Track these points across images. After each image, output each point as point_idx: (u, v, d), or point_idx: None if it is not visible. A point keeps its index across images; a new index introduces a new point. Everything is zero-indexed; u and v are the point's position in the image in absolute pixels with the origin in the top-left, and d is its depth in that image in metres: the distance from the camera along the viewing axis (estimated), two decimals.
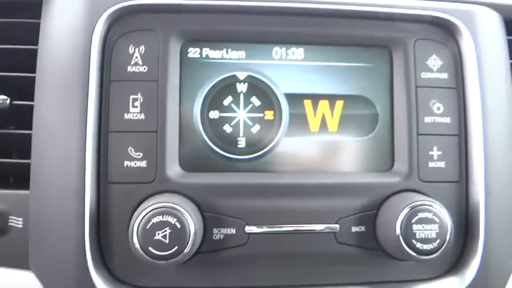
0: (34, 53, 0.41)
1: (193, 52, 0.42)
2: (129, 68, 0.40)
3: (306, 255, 0.40)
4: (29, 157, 0.40)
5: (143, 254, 0.36)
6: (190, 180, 0.39)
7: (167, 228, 0.36)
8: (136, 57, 0.40)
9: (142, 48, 0.40)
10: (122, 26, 0.40)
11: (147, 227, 0.36)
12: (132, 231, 0.36)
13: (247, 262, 0.40)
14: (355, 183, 0.41)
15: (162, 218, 0.36)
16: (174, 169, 0.39)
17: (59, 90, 0.39)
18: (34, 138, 0.40)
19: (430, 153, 0.42)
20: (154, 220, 0.36)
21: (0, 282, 0.40)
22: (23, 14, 0.43)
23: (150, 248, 0.36)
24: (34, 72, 0.41)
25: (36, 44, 0.41)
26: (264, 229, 0.39)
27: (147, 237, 0.36)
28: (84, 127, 0.38)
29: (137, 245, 0.36)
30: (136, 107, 0.39)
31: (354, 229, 0.40)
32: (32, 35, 0.42)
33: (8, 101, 0.42)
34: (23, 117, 0.41)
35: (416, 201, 0.38)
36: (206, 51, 0.42)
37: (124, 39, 0.40)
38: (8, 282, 0.40)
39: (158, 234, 0.36)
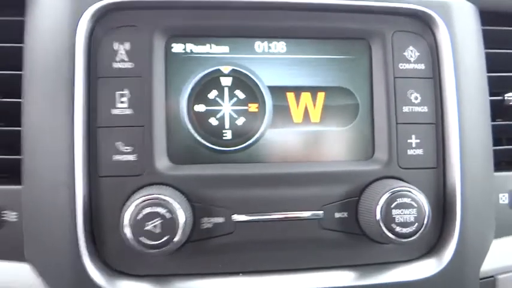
0: (19, 50, 0.42)
1: (177, 47, 0.43)
2: (115, 65, 0.41)
3: (291, 241, 0.42)
4: (18, 153, 0.41)
5: (135, 244, 0.37)
6: (179, 172, 0.41)
7: (158, 219, 0.37)
8: (122, 54, 0.41)
9: (127, 44, 0.41)
10: (106, 23, 0.41)
11: (138, 218, 0.37)
12: (123, 222, 0.37)
13: (235, 249, 0.41)
14: (338, 171, 0.43)
15: (152, 209, 0.37)
16: (162, 162, 0.41)
17: (47, 88, 0.40)
18: (24, 135, 0.41)
19: (409, 141, 0.44)
20: (145, 211, 0.37)
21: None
22: (6, 11, 0.43)
23: (141, 238, 0.37)
24: (19, 70, 0.42)
25: (21, 41, 0.42)
26: (250, 217, 0.41)
27: (138, 228, 0.37)
28: (72, 123, 0.39)
29: (129, 236, 0.37)
30: (124, 102, 0.41)
31: (337, 215, 0.42)
32: (17, 32, 0.43)
33: None
34: (12, 114, 0.42)
35: (395, 188, 0.40)
36: (190, 46, 0.43)
37: (109, 36, 0.41)
38: (5, 274, 0.41)
39: (149, 224, 0.37)
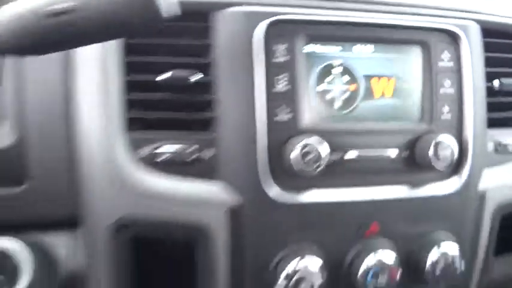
0: (207, 46, 0.64)
1: (307, 48, 0.66)
2: (273, 60, 0.64)
3: (373, 168, 0.68)
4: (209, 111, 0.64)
5: (296, 171, 0.62)
6: (324, 125, 0.66)
7: (311, 155, 0.62)
8: (278, 52, 0.64)
9: (282, 46, 0.64)
10: (270, 31, 0.64)
11: (302, 152, 0.61)
12: (292, 154, 0.62)
13: (347, 171, 0.67)
14: (404, 129, 0.69)
15: (310, 148, 0.62)
16: (311, 120, 0.65)
17: (233, 74, 0.63)
18: (217, 100, 0.63)
19: (443, 109, 0.71)
20: (305, 150, 0.62)
21: (197, 189, 0.64)
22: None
23: (301, 166, 0.62)
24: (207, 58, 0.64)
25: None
26: (358, 153, 0.67)
27: (299, 161, 0.61)
28: (253, 91, 0.62)
29: (293, 165, 0.62)
30: (281, 84, 0.64)
31: (404, 153, 0.69)
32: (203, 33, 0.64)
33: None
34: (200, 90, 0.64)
35: (439, 135, 0.67)
36: (317, 47, 0.67)
37: (271, 40, 0.64)
38: (202, 189, 0.64)
39: (306, 158, 0.62)
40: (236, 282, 0.65)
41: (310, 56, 0.66)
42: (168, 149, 0.62)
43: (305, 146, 0.61)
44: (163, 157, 0.62)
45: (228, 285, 0.65)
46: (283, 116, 0.64)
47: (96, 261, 0.63)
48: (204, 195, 0.63)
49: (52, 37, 0.45)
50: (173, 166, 0.63)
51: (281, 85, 0.64)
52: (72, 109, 0.63)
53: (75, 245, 0.66)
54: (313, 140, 0.62)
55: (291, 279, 0.63)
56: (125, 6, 0.44)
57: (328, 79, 0.67)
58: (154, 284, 0.69)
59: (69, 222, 0.64)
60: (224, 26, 0.64)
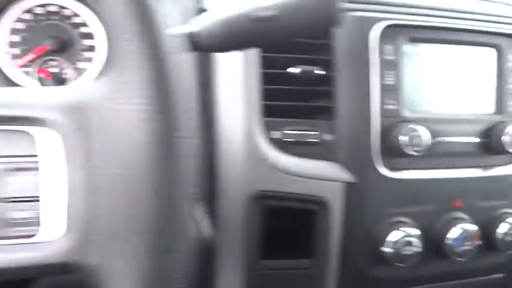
0: (327, 45, 0.75)
1: (406, 48, 0.78)
2: (384, 57, 0.75)
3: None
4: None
5: (403, 152, 0.73)
6: (424, 114, 0.77)
7: (417, 139, 0.74)
8: (388, 51, 0.76)
9: (390, 46, 0.76)
10: (383, 32, 0.75)
11: (408, 138, 0.73)
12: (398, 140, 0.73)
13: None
14: (477, 118, 0.82)
15: (415, 133, 0.73)
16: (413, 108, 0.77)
17: (351, 69, 0.74)
18: (336, 91, 0.74)
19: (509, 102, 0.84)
20: (412, 133, 0.73)
21: (318, 168, 0.74)
22: None
23: (407, 150, 0.73)
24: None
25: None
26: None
27: (407, 144, 0.73)
28: (369, 88, 0.74)
29: (402, 147, 0.73)
30: (389, 78, 0.76)
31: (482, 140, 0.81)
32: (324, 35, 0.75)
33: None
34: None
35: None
36: (416, 48, 0.78)
37: (382, 40, 0.75)
38: (323, 168, 0.75)
39: (411, 141, 0.73)
40: (347, 246, 0.76)
41: (411, 54, 0.78)
42: (294, 132, 0.73)
43: (413, 130, 0.73)
44: (291, 139, 0.73)
45: (340, 249, 0.76)
46: (391, 105, 0.75)
47: (232, 228, 0.73)
48: (324, 173, 0.74)
49: (253, 38, 0.55)
50: (298, 147, 0.73)
51: (389, 79, 0.75)
52: (211, 95, 0.73)
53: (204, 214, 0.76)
54: (417, 126, 0.74)
55: (396, 246, 0.74)
56: (315, 14, 0.54)
57: (425, 74, 0.79)
58: (274, 247, 0.79)
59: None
60: (343, 28, 0.74)
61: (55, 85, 0.89)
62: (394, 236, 0.75)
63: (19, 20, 0.90)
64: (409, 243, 0.75)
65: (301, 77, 0.74)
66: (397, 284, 0.81)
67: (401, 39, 0.76)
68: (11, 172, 0.31)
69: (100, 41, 0.93)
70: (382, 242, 0.75)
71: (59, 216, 0.30)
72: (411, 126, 0.73)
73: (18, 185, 0.31)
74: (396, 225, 0.76)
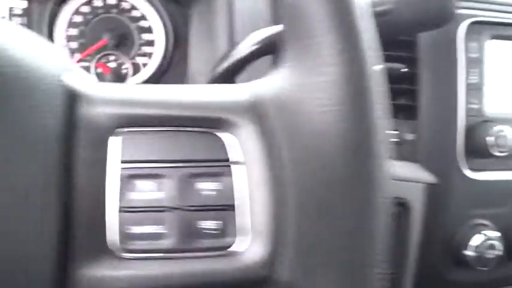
0: (411, 43, 0.73)
1: (491, 45, 0.76)
2: (468, 54, 0.73)
3: None
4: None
5: (489, 153, 0.71)
6: (506, 114, 0.75)
7: (503, 140, 0.72)
8: (471, 48, 0.73)
9: (474, 43, 0.74)
10: (467, 29, 0.73)
11: (495, 138, 0.71)
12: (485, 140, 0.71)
13: None
14: None
15: (502, 134, 0.71)
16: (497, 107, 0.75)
17: (436, 67, 0.72)
18: (420, 91, 0.72)
19: None
20: (499, 134, 0.71)
21: (400, 168, 0.72)
22: None
23: (493, 150, 0.71)
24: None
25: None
26: None
27: (494, 145, 0.71)
28: (456, 87, 0.71)
29: (488, 148, 0.71)
30: (473, 76, 0.73)
31: None
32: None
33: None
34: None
35: None
36: (499, 45, 0.76)
37: (467, 37, 0.73)
38: (404, 169, 0.73)
39: (498, 142, 0.72)
40: (427, 249, 0.74)
41: (494, 52, 0.75)
42: None
43: (500, 131, 0.71)
44: None
45: (419, 251, 0.74)
46: (474, 104, 0.73)
47: None
48: (405, 174, 0.72)
49: None
50: None
51: (473, 77, 0.73)
52: None
53: None
54: (503, 126, 0.72)
55: (478, 249, 0.72)
56: (431, 9, 0.52)
57: (508, 72, 0.77)
58: None
59: None
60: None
61: (114, 81, 0.86)
62: (476, 239, 0.73)
63: (77, 12, 0.87)
64: (492, 247, 0.73)
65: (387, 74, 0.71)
66: (475, 287, 0.79)
67: (484, 36, 0.74)
68: (200, 178, 0.28)
69: (159, 35, 0.90)
70: (464, 245, 0.73)
71: (255, 227, 0.28)
72: (497, 126, 0.71)
73: (207, 192, 0.28)
74: (477, 228, 0.74)
